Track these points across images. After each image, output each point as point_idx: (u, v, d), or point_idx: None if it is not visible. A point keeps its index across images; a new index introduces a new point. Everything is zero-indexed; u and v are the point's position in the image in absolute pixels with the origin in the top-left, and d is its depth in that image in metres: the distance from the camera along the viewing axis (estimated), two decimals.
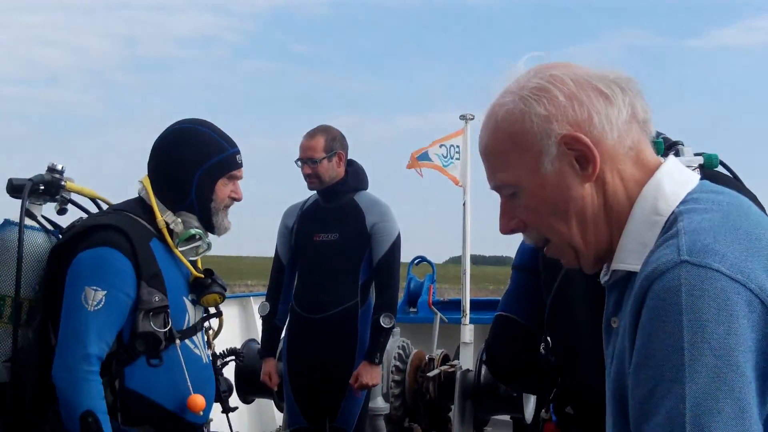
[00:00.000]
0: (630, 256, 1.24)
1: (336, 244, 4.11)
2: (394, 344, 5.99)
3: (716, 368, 1.07)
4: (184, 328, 2.59)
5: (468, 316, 5.95)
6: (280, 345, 4.41)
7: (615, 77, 1.28)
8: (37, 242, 2.54)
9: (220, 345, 8.12)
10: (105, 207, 2.76)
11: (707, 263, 1.10)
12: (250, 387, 5.62)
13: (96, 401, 2.37)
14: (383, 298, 4.12)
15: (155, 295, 2.47)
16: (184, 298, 2.63)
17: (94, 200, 2.81)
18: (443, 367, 5.89)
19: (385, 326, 4.03)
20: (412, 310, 7.74)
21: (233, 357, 3.20)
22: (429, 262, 7.90)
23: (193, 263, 2.73)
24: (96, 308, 2.38)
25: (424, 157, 6.29)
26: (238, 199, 2.71)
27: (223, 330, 8.06)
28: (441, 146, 6.27)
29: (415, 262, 8.01)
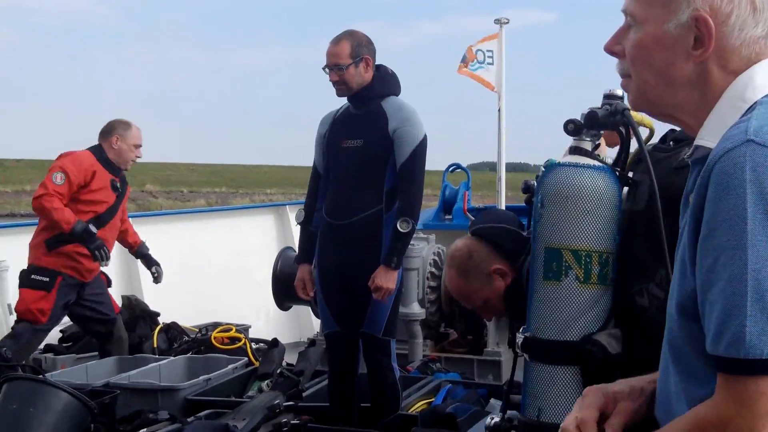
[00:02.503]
0: (710, 135, 1.33)
1: (360, 150, 4.08)
2: (430, 251, 6.01)
3: None
4: None
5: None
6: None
7: None
8: (600, 184, 2.21)
9: (254, 254, 8.22)
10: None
11: None
12: (286, 294, 5.70)
13: None
14: (402, 203, 4.08)
15: None
16: None
17: (629, 130, 2.41)
18: None
19: (402, 231, 4.00)
20: (447, 217, 7.73)
21: None
22: (464, 169, 7.86)
23: None
24: None
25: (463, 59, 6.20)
26: None
27: (260, 238, 8.07)
28: (477, 51, 6.18)
29: (450, 169, 7.97)
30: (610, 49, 1.48)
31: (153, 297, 6.39)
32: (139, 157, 5.55)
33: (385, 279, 4.01)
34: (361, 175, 4.08)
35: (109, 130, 5.48)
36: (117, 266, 6.85)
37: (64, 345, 6.03)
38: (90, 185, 5.30)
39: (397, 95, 4.18)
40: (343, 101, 4.24)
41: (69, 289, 5.30)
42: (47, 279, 5.19)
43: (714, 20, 1.33)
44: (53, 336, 6.21)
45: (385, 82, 4.16)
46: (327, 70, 4.09)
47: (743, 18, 1.33)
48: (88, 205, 5.30)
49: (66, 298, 5.29)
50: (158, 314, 6.22)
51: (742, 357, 1.15)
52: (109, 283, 5.71)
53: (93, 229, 5.17)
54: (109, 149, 5.43)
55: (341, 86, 4.07)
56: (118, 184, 5.48)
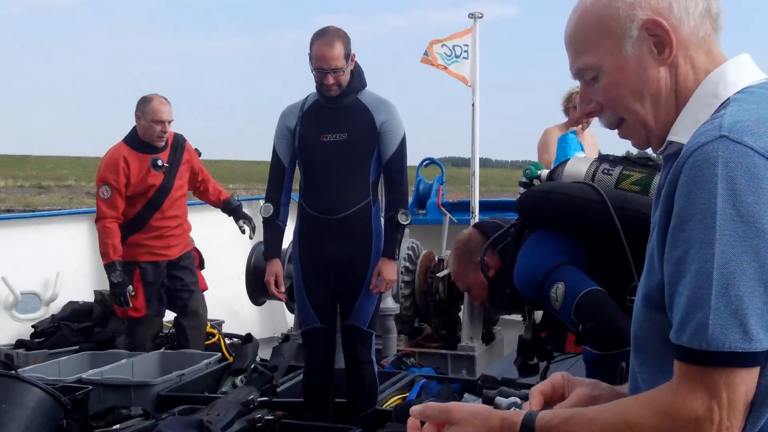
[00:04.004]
0: (682, 130, 1.35)
1: (345, 144, 4.07)
2: (404, 246, 6.02)
3: (744, 233, 1.17)
4: None
5: (477, 217, 5.96)
6: (289, 248, 4.42)
7: None
8: None
9: (227, 249, 8.15)
10: None
11: (744, 141, 1.20)
12: (260, 289, 5.68)
13: None
14: (396, 195, 4.15)
15: None
16: None
17: None
18: None
19: (402, 223, 4.10)
20: (421, 211, 7.76)
21: None
22: (438, 164, 7.88)
23: None
24: None
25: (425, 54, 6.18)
26: None
27: (233, 233, 8.10)
28: (443, 45, 6.15)
29: (424, 164, 7.99)
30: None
31: None
32: (164, 131, 5.28)
33: (391, 271, 4.11)
34: (347, 168, 4.08)
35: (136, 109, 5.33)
36: (91, 261, 6.79)
37: (36, 340, 5.98)
38: (129, 178, 5.23)
39: (365, 88, 4.18)
40: (305, 93, 4.22)
41: (153, 272, 5.34)
42: (125, 275, 5.20)
43: (662, 18, 1.36)
44: (25, 331, 6.17)
45: (360, 76, 4.16)
46: (317, 72, 3.99)
47: (682, 3, 1.36)
48: (135, 198, 5.27)
49: (154, 282, 5.36)
50: None
51: (704, 348, 1.17)
52: (201, 263, 5.83)
53: (120, 278, 5.15)
54: (139, 128, 5.33)
55: (335, 87, 4.02)
56: (159, 162, 5.32)
